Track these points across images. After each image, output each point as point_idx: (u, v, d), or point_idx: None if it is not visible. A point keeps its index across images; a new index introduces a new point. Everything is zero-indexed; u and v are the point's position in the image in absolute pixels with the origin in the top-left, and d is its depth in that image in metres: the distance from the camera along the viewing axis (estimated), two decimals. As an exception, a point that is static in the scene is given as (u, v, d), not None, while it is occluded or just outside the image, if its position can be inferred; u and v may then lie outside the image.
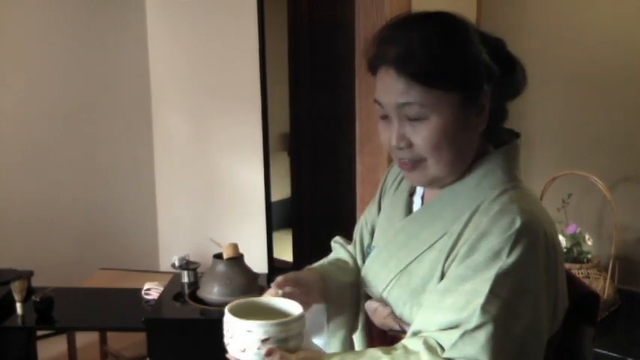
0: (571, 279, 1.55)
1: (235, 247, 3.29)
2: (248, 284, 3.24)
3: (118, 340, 4.40)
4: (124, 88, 5.05)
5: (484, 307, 1.28)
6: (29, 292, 3.53)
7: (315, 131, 4.96)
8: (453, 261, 1.39)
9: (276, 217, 4.87)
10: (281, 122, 5.34)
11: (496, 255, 1.31)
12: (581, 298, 1.54)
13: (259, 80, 4.47)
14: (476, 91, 1.39)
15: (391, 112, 1.40)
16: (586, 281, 2.78)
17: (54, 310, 3.48)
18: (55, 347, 4.18)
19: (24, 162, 4.57)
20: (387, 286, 1.52)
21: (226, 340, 1.36)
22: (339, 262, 1.75)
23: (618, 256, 2.89)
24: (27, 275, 3.72)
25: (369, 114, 3.25)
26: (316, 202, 5.02)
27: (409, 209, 1.59)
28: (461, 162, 1.44)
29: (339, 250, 1.82)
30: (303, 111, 5.03)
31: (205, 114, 4.89)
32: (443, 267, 1.41)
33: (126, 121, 5.10)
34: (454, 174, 1.45)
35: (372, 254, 1.62)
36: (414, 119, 1.37)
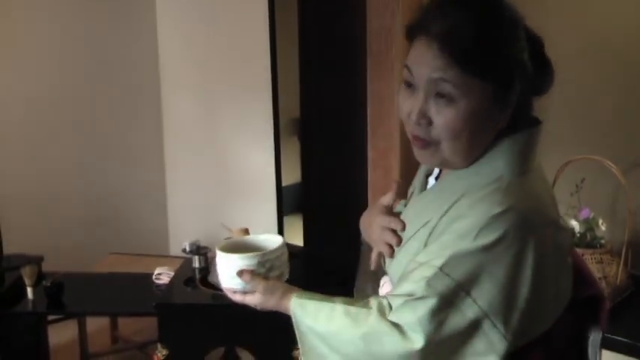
0: (581, 275, 1.51)
1: (246, 231, 3.29)
2: (259, 269, 3.23)
3: (128, 325, 4.41)
4: (133, 73, 5.04)
5: (429, 281, 1.29)
6: (40, 277, 3.54)
7: (326, 116, 4.94)
8: (430, 238, 1.40)
9: (287, 202, 4.86)
10: (291, 107, 5.32)
11: (462, 237, 1.30)
12: (588, 299, 1.52)
13: (269, 65, 4.45)
14: (509, 87, 1.37)
15: (420, 84, 1.37)
16: (599, 266, 2.76)
17: (64, 295, 3.49)
18: (66, 332, 4.19)
19: (34, 147, 4.57)
20: (391, 261, 1.54)
21: (219, 276, 1.54)
22: None
23: (632, 242, 2.87)
24: (37, 260, 3.73)
25: (381, 98, 3.23)
26: (327, 187, 5.01)
27: (424, 187, 1.61)
28: (473, 153, 1.41)
29: None
30: (314, 95, 5.01)
31: (215, 99, 4.88)
32: (425, 243, 1.41)
33: (136, 106, 5.09)
34: (464, 162, 1.42)
35: None
36: (442, 97, 1.34)
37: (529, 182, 1.41)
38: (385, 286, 1.62)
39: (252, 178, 4.73)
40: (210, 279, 3.27)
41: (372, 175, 3.39)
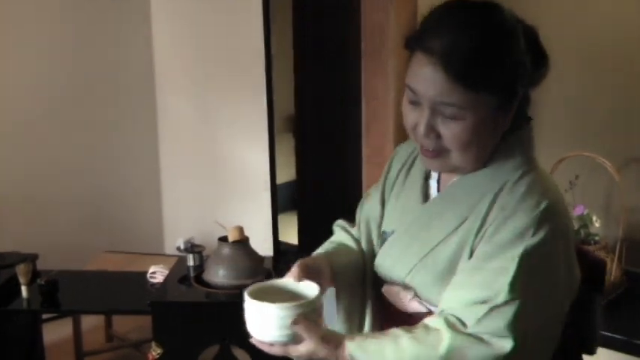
0: (578, 249, 1.59)
1: (240, 229, 3.28)
2: (253, 267, 3.23)
3: (123, 323, 4.40)
4: (127, 71, 5.03)
5: (512, 284, 1.32)
6: (34, 275, 3.53)
7: (321, 113, 4.94)
8: (480, 240, 1.41)
9: (282, 200, 4.87)
10: (286, 104, 5.32)
11: (522, 234, 1.35)
12: (590, 267, 1.60)
13: (264, 62, 4.44)
14: (512, 94, 1.39)
15: (425, 102, 1.38)
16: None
17: (59, 293, 3.47)
18: (61, 330, 4.18)
19: (28, 146, 4.55)
20: (410, 270, 1.52)
21: (249, 325, 1.43)
22: (341, 246, 1.74)
23: (626, 238, 2.88)
24: (32, 258, 3.72)
25: (375, 95, 3.23)
26: (322, 184, 5.01)
27: (426, 194, 1.60)
28: (483, 157, 1.45)
29: (341, 233, 1.81)
30: (308, 93, 5.01)
31: (210, 96, 4.87)
32: (472, 246, 1.43)
33: (130, 103, 5.08)
34: (474, 166, 1.46)
35: (391, 239, 1.61)
36: (448, 115, 1.36)
37: (545, 173, 1.49)
38: (402, 294, 1.57)
39: (246, 176, 4.73)
40: (205, 277, 3.27)
41: (367, 172, 3.40)
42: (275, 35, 4.48)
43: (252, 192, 4.70)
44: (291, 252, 4.80)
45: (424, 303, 1.52)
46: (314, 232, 5.04)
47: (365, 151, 3.38)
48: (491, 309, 1.32)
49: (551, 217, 1.37)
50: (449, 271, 1.45)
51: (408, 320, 1.53)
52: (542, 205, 1.36)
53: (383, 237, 1.65)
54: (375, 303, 1.67)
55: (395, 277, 1.57)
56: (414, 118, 1.41)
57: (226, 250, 3.23)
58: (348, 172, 4.11)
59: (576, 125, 3.37)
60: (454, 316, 1.36)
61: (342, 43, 4.37)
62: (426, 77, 1.35)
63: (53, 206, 4.68)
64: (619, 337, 2.50)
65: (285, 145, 5.40)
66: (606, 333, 2.51)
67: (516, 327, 1.31)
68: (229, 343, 3.12)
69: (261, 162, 4.61)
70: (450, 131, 1.37)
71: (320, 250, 1.72)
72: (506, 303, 1.32)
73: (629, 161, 3.19)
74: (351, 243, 1.74)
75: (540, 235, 1.35)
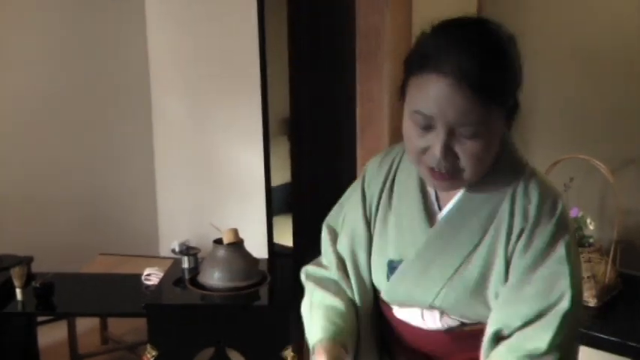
0: None
1: (235, 232, 3.29)
2: (248, 269, 3.23)
3: (118, 326, 4.40)
4: (122, 72, 5.03)
5: (572, 285, 1.38)
6: (29, 277, 3.53)
7: (316, 115, 4.93)
8: (513, 248, 1.43)
9: (277, 202, 4.85)
10: (281, 107, 5.30)
11: (554, 238, 1.40)
12: None
13: (259, 65, 4.44)
14: (517, 103, 1.41)
15: (441, 125, 1.33)
16: (588, 265, 2.77)
17: (54, 295, 3.48)
18: (56, 333, 4.18)
19: (23, 149, 4.55)
20: (437, 294, 1.49)
21: None
22: (337, 316, 1.59)
23: (620, 240, 2.88)
24: (27, 261, 3.72)
25: (370, 97, 3.23)
26: (317, 187, 5.00)
27: (428, 213, 1.54)
28: (490, 166, 1.44)
29: (320, 293, 1.65)
30: (304, 96, 5.00)
31: (205, 98, 4.87)
32: (505, 254, 1.44)
33: (125, 105, 5.08)
34: (480, 178, 1.45)
35: (402, 268, 1.55)
36: (466, 137, 1.34)
37: (537, 169, 1.53)
38: (427, 315, 1.56)
39: (241, 179, 4.73)
40: (200, 279, 3.27)
41: (362, 175, 3.39)
42: (270, 38, 4.47)
43: (247, 194, 4.70)
44: (286, 254, 4.79)
45: (455, 318, 1.52)
46: (309, 234, 5.02)
47: (360, 154, 3.37)
48: (566, 315, 1.37)
49: (566, 213, 1.44)
50: (481, 284, 1.46)
51: (427, 336, 1.55)
52: (559, 207, 1.43)
53: (390, 266, 1.57)
54: (380, 328, 1.66)
55: (416, 302, 1.55)
56: (424, 143, 1.38)
57: (221, 252, 3.24)
58: (343, 175, 4.10)
59: (571, 128, 3.37)
60: (521, 346, 1.38)
61: (337, 45, 4.37)
62: (443, 99, 1.30)
63: (48, 208, 4.68)
64: (614, 339, 2.49)
65: (280, 148, 5.38)
66: (601, 335, 2.51)
67: (580, 322, 1.43)
68: (224, 346, 3.12)
69: (256, 164, 4.61)
70: (468, 150, 1.35)
71: (321, 333, 1.55)
72: (575, 304, 1.38)
73: (624, 164, 3.19)
74: (339, 304, 1.61)
75: (568, 231, 1.42)
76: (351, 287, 1.63)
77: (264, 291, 3.24)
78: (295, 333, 3.06)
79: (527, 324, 1.39)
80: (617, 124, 3.25)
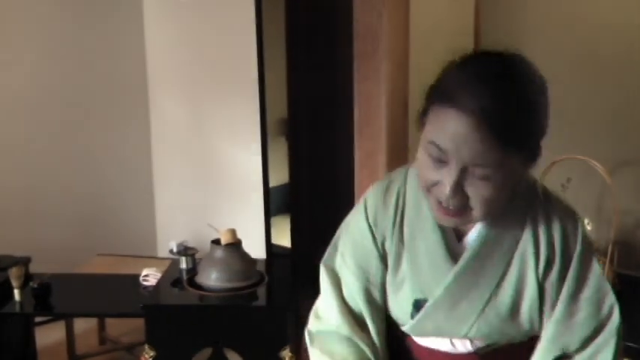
0: None
1: (233, 232, 3.28)
2: (246, 270, 3.23)
3: (116, 327, 4.39)
4: (120, 74, 5.02)
5: (615, 296, 1.46)
6: (27, 278, 3.52)
7: (314, 116, 4.93)
8: (546, 271, 1.44)
9: (275, 203, 4.86)
10: (279, 107, 5.30)
11: (585, 257, 1.45)
12: None
13: (257, 65, 4.44)
14: (539, 148, 1.36)
15: (454, 163, 1.29)
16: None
17: (52, 296, 3.47)
18: (53, 333, 4.17)
19: (21, 149, 4.55)
20: (471, 327, 1.48)
21: None
22: None
23: (617, 241, 2.89)
24: (24, 261, 3.72)
25: (368, 98, 3.23)
26: (314, 187, 5.00)
27: (448, 249, 1.48)
28: (504, 206, 1.40)
29: (345, 348, 1.56)
30: (301, 96, 5.00)
31: (203, 99, 4.87)
32: (537, 279, 1.44)
33: (123, 106, 5.07)
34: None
35: (430, 306, 1.49)
36: (478, 178, 1.29)
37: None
38: (458, 344, 1.55)
39: (239, 179, 4.72)
40: (198, 280, 3.27)
41: (359, 176, 3.40)
42: (268, 39, 4.48)
43: (245, 195, 4.70)
44: (284, 255, 4.80)
45: (488, 343, 1.53)
46: (306, 235, 5.04)
47: (357, 155, 3.38)
48: (616, 330, 1.45)
49: (584, 225, 1.49)
50: (514, 312, 1.46)
51: (456, 358, 1.56)
52: (578, 220, 1.47)
53: (416, 305, 1.51)
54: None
55: (447, 335, 1.53)
56: (436, 176, 1.33)
57: (219, 252, 3.23)
58: (340, 175, 4.11)
59: (568, 128, 3.37)
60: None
61: (334, 46, 4.37)
62: (460, 137, 1.25)
63: (46, 209, 4.68)
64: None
65: (278, 148, 5.39)
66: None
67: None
68: (222, 346, 3.12)
69: (254, 165, 4.60)
70: (479, 192, 1.30)
71: None
72: (620, 314, 1.46)
73: (621, 164, 3.20)
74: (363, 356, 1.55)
75: (592, 244, 1.48)
76: (363, 339, 1.55)
77: (262, 291, 3.24)
78: (293, 333, 3.07)
79: (585, 343, 1.45)
80: (615, 125, 3.26)
